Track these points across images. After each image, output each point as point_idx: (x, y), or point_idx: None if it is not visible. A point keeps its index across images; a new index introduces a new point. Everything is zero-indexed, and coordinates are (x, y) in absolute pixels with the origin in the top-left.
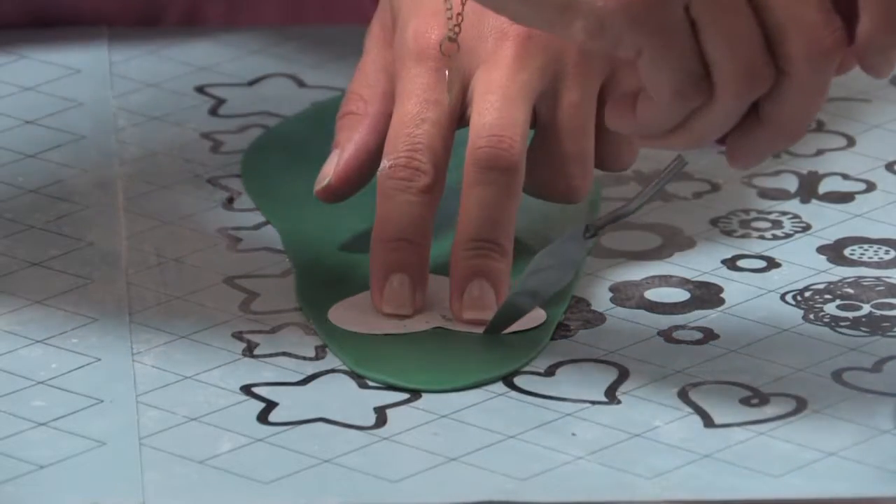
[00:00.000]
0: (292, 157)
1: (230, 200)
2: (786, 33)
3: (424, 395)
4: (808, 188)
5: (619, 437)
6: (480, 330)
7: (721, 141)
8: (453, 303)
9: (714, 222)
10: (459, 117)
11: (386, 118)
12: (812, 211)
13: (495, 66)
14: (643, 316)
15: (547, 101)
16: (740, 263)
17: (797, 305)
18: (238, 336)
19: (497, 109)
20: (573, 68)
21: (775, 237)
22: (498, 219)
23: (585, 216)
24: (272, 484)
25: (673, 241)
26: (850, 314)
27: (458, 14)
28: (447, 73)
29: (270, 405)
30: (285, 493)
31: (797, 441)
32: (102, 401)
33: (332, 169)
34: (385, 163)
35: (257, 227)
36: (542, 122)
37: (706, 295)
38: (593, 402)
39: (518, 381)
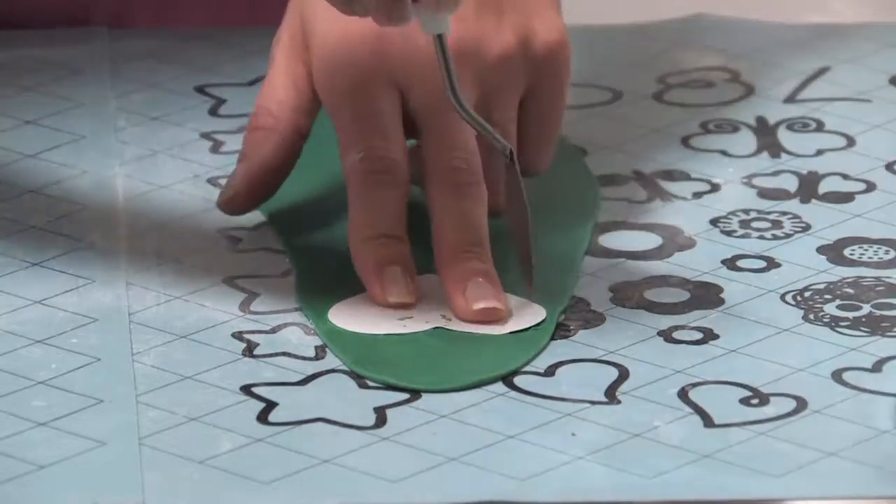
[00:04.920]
0: None
1: None
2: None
3: (424, 395)
4: (808, 188)
5: (619, 437)
6: (486, 326)
7: None
8: (457, 302)
9: (714, 222)
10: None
11: (294, 135)
12: (812, 211)
13: (434, 83)
14: (643, 316)
15: (479, 112)
16: (740, 263)
17: (797, 305)
18: (238, 336)
19: (455, 130)
20: (497, 81)
21: (775, 237)
22: (478, 226)
23: (588, 217)
24: (272, 484)
25: (673, 241)
26: (850, 314)
27: None
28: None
29: (270, 405)
30: (285, 493)
31: (797, 441)
32: (102, 401)
33: (236, 182)
34: (355, 155)
35: (257, 227)
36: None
37: (706, 295)
38: (593, 402)
39: (518, 381)
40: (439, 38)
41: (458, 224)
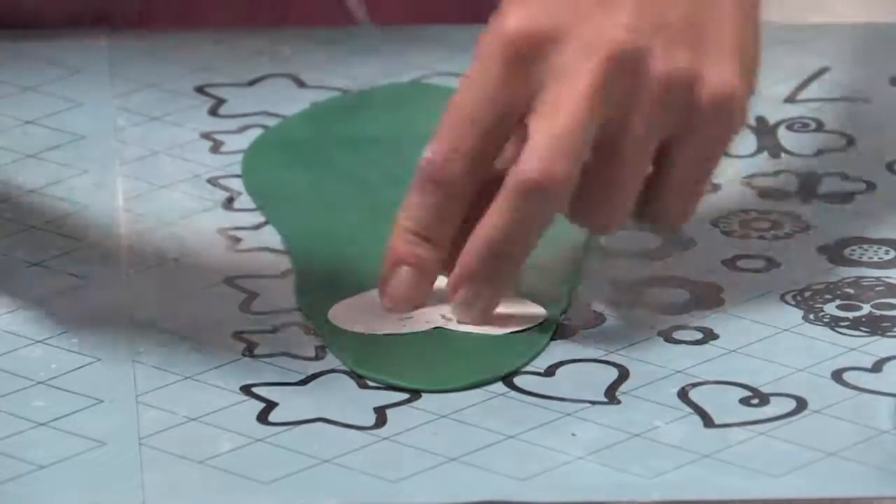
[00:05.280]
0: (292, 157)
1: (230, 200)
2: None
3: (424, 395)
4: (808, 188)
5: (619, 437)
6: (486, 326)
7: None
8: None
9: (714, 222)
10: (518, 120)
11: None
12: (812, 211)
13: (568, 84)
14: (643, 316)
15: (613, 126)
16: (740, 263)
17: (797, 305)
18: (238, 336)
19: (557, 135)
20: (648, 101)
21: (775, 237)
22: (515, 237)
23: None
24: (272, 484)
25: (673, 241)
26: (850, 314)
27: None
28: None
29: (270, 405)
30: (285, 493)
31: (797, 441)
32: (102, 401)
33: None
34: (427, 152)
35: (257, 227)
36: (599, 146)
37: (706, 295)
38: (593, 402)
39: (518, 381)
40: None
41: (497, 229)
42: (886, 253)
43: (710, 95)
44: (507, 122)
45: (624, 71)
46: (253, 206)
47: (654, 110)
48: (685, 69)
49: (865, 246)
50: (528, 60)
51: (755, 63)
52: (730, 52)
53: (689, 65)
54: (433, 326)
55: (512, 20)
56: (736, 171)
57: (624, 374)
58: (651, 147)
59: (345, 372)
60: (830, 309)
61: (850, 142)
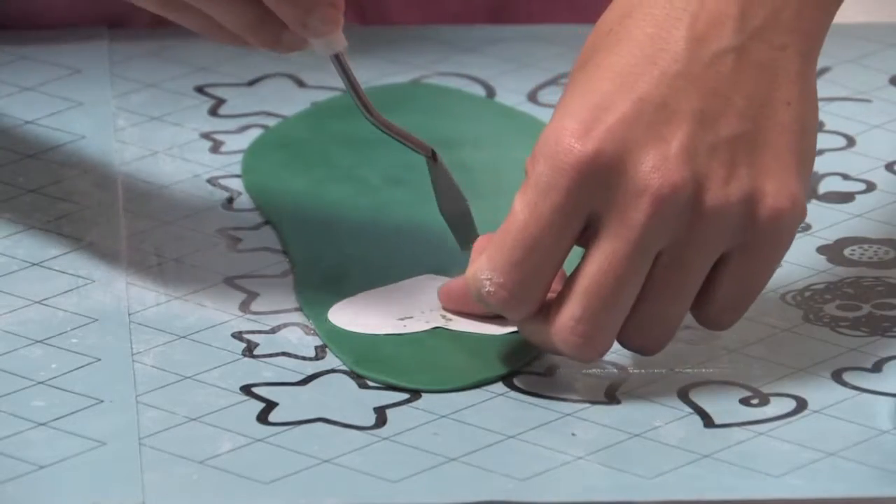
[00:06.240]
0: (292, 157)
1: (230, 200)
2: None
3: (424, 395)
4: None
5: (619, 437)
6: (486, 326)
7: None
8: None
9: None
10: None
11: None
12: (812, 211)
13: (621, 227)
14: None
15: (666, 259)
16: None
17: (797, 305)
18: (238, 336)
19: (602, 297)
20: (703, 230)
21: None
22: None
23: None
24: (272, 484)
25: None
26: (850, 314)
27: None
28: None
29: (270, 405)
30: (285, 493)
31: (797, 441)
32: (102, 401)
33: None
34: (486, 282)
35: (257, 227)
36: (651, 275)
37: None
38: (593, 402)
39: (518, 381)
40: (336, 59)
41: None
42: (886, 253)
43: (769, 209)
44: (567, 247)
45: (677, 209)
46: (253, 206)
47: (711, 236)
48: (743, 188)
49: (865, 246)
50: (588, 192)
51: (810, 173)
52: (788, 164)
53: (748, 181)
54: (433, 326)
55: (576, 145)
56: None
57: (624, 374)
58: (705, 272)
59: (345, 372)
60: (830, 309)
61: (850, 142)
